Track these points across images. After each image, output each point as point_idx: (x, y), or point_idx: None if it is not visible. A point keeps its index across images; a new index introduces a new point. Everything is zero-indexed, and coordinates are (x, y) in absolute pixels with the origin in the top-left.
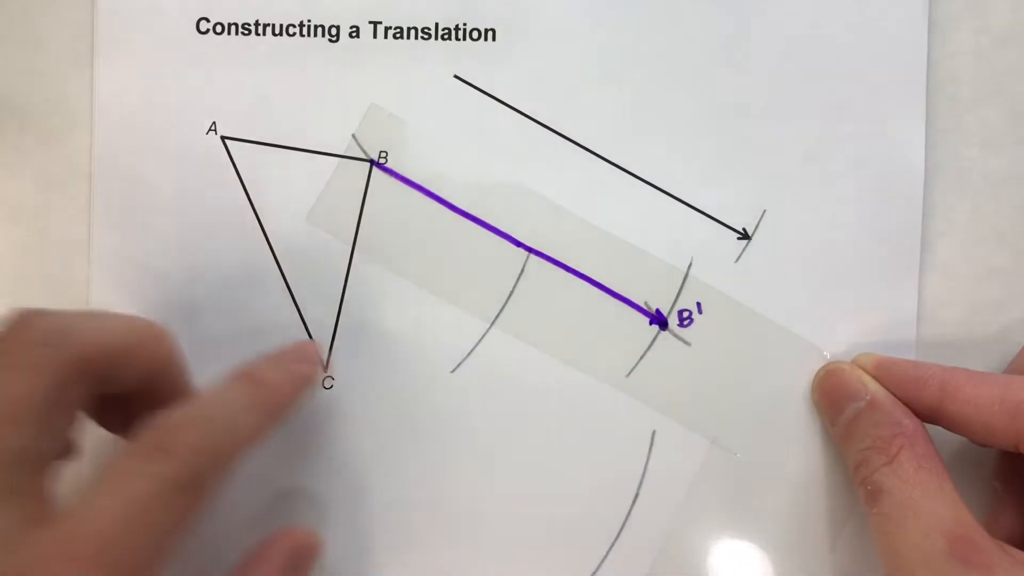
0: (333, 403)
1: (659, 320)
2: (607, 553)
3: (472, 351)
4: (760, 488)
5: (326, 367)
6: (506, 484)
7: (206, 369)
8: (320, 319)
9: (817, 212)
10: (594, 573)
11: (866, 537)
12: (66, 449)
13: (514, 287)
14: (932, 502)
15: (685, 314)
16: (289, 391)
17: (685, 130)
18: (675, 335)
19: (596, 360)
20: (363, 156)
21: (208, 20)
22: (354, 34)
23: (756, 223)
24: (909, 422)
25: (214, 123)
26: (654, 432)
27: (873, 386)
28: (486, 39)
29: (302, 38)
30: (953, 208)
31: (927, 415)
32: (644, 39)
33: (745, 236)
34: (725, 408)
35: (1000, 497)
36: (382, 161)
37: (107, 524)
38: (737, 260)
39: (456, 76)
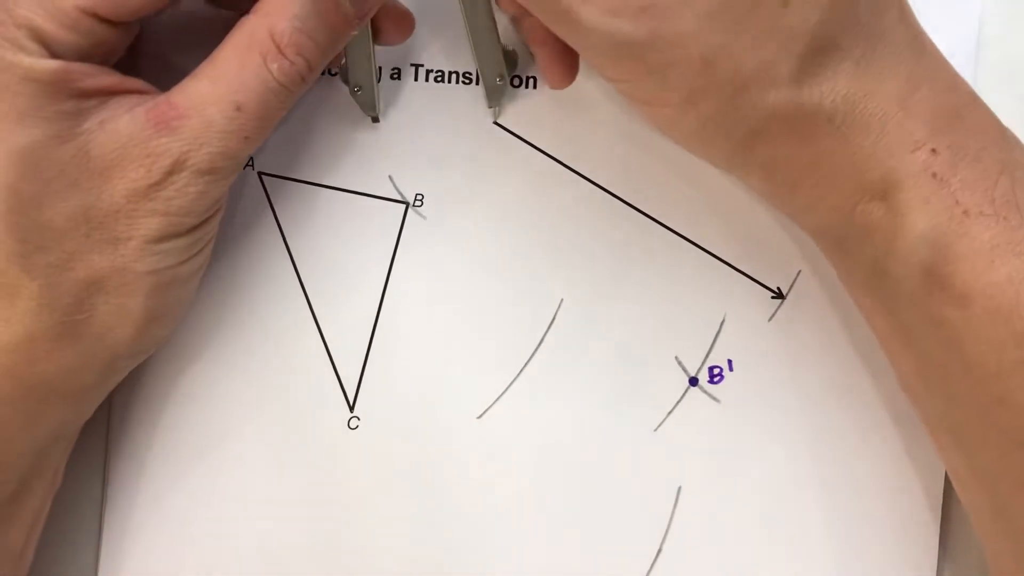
0: (357, 443)
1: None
2: None
3: (499, 398)
4: (785, 548)
5: (352, 407)
6: (527, 533)
7: (232, 405)
8: (348, 360)
9: None
10: None
11: None
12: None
13: (544, 336)
14: None
15: (716, 371)
16: None
17: (722, 186)
18: (705, 391)
19: (623, 413)
20: (399, 198)
21: None
22: (395, 76)
23: (791, 283)
24: None
25: (252, 159)
26: (679, 488)
27: None
28: (527, 87)
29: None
30: None
31: None
32: None
33: (780, 295)
34: (753, 467)
35: None
36: (417, 205)
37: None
38: (771, 319)
39: (496, 123)
